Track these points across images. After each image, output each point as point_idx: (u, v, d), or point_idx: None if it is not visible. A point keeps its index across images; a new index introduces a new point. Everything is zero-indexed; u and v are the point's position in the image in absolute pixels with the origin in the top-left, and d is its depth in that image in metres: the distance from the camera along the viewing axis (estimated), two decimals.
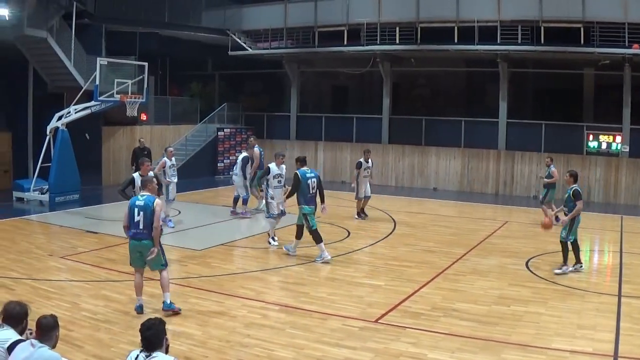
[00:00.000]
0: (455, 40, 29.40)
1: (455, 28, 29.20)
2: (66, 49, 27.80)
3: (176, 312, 11.86)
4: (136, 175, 15.72)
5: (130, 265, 12.22)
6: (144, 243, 11.72)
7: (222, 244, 18.36)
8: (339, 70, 36.99)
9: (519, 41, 28.25)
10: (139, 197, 12.01)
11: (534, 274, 15.22)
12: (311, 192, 16.48)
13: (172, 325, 7.89)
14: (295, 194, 16.60)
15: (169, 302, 11.93)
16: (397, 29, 30.70)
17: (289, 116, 37.13)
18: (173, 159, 21.43)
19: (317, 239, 16.31)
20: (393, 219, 22.41)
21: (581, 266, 15.31)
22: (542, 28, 27.48)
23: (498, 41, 28.48)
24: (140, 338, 6.66)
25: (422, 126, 32.69)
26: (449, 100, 35.93)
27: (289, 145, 35.67)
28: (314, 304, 12.58)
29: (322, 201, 16.73)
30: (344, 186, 25.25)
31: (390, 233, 20.26)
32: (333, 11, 32.59)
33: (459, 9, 29.06)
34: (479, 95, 35.48)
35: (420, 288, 13.79)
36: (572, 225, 15.14)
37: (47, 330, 6.85)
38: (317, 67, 38.19)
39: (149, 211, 11.67)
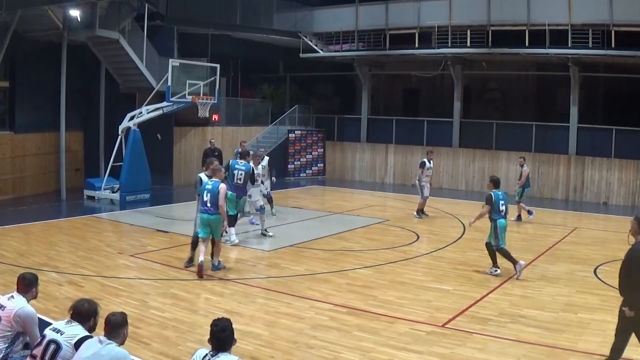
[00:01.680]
0: (526, 44, 29.02)
1: (526, 31, 28.84)
2: (138, 50, 28.16)
3: (224, 268, 15.17)
4: (202, 174, 16.06)
5: (197, 235, 15.09)
6: (211, 217, 14.72)
7: (291, 245, 18.32)
8: (410, 73, 36.79)
9: (590, 45, 27.73)
10: (209, 181, 15.06)
11: (603, 281, 14.85)
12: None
13: (239, 325, 7.90)
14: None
15: (217, 263, 15.19)
16: (469, 32, 30.45)
17: (360, 119, 36.98)
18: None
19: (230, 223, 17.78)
20: (462, 223, 22.23)
21: (496, 270, 15.40)
22: (613, 32, 26.97)
23: (569, 45, 28.02)
24: (209, 337, 6.67)
25: (493, 130, 32.26)
26: (519, 104, 35.42)
27: (360, 148, 35.65)
28: (382, 307, 12.45)
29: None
30: (414, 189, 25.11)
31: (460, 237, 20.04)
32: (404, 14, 32.46)
33: (529, 13, 28.65)
34: (550, 99, 34.96)
35: (489, 293, 13.60)
36: (495, 232, 15.39)
37: (116, 327, 6.89)
38: (388, 70, 38.01)
39: (215, 193, 14.69)
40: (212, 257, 15.18)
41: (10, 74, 26.77)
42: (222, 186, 14.96)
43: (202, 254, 14.70)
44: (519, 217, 23.27)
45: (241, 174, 18.38)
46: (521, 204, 23.43)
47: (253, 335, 10.63)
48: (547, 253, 17.91)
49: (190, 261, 15.54)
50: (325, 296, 13.28)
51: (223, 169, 16.40)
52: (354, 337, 10.76)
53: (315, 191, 29.76)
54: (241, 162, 18.66)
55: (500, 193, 15.90)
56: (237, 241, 18.15)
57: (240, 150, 20.44)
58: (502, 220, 15.53)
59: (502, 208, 15.64)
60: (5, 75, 26.37)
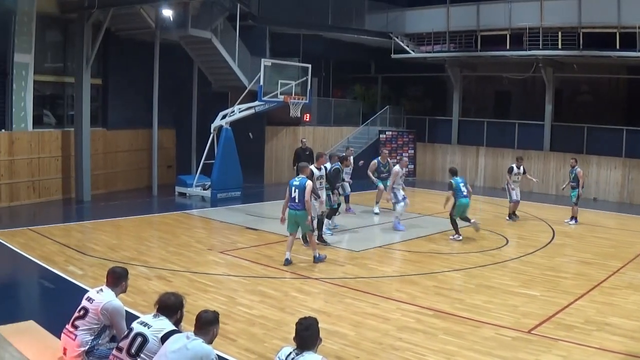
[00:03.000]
0: (617, 47, 28.33)
1: (617, 34, 28.14)
2: (230, 50, 28.35)
3: (325, 258, 15.96)
4: (313, 167, 17.83)
5: (287, 230, 15.74)
6: (298, 213, 15.40)
7: (380, 247, 18.22)
8: (501, 75, 36.31)
9: None
10: (296, 178, 15.68)
11: None
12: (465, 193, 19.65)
13: (326, 325, 7.83)
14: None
15: (317, 255, 15.85)
16: (560, 33, 29.85)
17: (451, 120, 36.61)
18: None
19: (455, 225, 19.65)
20: (552, 229, 21.81)
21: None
22: None
23: None
24: (295, 336, 6.63)
25: (584, 134, 31.50)
26: (610, 107, 34.57)
27: (450, 150, 35.33)
28: (469, 311, 12.24)
29: None
30: (503, 193, 24.77)
31: (549, 242, 19.59)
32: (495, 15, 31.97)
33: (620, 15, 27.82)
34: None
35: (575, 300, 13.22)
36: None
37: (206, 325, 6.89)
38: (479, 72, 37.57)
39: (302, 189, 15.25)
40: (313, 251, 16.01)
41: (104, 72, 27.32)
42: (309, 182, 15.46)
43: (289, 251, 15.55)
44: (574, 219, 22.70)
45: (465, 185, 19.68)
46: (576, 207, 22.77)
47: (339, 335, 10.57)
48: (635, 260, 17.31)
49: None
50: (412, 298, 13.13)
51: (309, 168, 16.78)
52: (439, 340, 10.62)
53: (405, 193, 29.54)
54: (459, 178, 19.85)
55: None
56: (461, 237, 19.22)
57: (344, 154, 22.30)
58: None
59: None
60: (98, 73, 26.84)
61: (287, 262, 15.34)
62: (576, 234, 21.16)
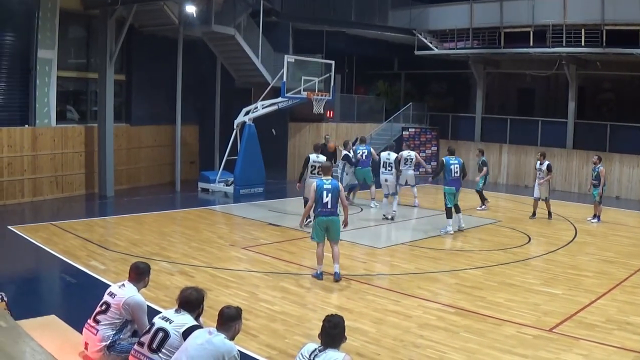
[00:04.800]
0: None
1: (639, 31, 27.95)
2: (253, 46, 28.42)
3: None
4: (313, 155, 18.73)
5: (312, 239, 14.09)
6: (331, 219, 13.75)
7: (403, 243, 18.19)
8: (524, 72, 36.13)
9: None
10: (325, 181, 13.93)
11: None
12: (453, 175, 19.46)
13: (347, 321, 7.79)
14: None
15: (338, 272, 13.84)
16: (583, 30, 29.66)
17: (474, 117, 36.45)
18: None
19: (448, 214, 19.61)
20: (574, 227, 21.69)
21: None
22: None
23: None
24: (320, 332, 6.68)
25: (607, 132, 31.26)
26: (633, 105, 34.26)
27: (473, 147, 35.18)
28: (490, 309, 12.20)
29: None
30: (526, 190, 24.60)
31: (571, 241, 19.45)
32: (518, 12, 31.77)
33: None
34: None
35: (597, 299, 13.13)
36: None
37: (228, 321, 6.90)
38: (502, 69, 37.38)
39: (336, 193, 13.75)
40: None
41: (127, 68, 27.47)
42: (340, 184, 14.53)
43: (321, 264, 14.01)
44: (597, 217, 22.48)
45: (457, 167, 19.42)
46: (600, 206, 22.50)
47: (360, 332, 10.58)
48: None
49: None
50: (433, 295, 13.12)
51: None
52: (460, 338, 10.59)
53: (427, 189, 29.38)
54: (453, 157, 19.70)
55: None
56: (451, 232, 19.43)
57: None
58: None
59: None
60: (122, 69, 27.01)
61: (319, 276, 13.94)
62: (598, 232, 21.04)
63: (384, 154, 22.52)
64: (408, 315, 11.69)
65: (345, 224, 14.19)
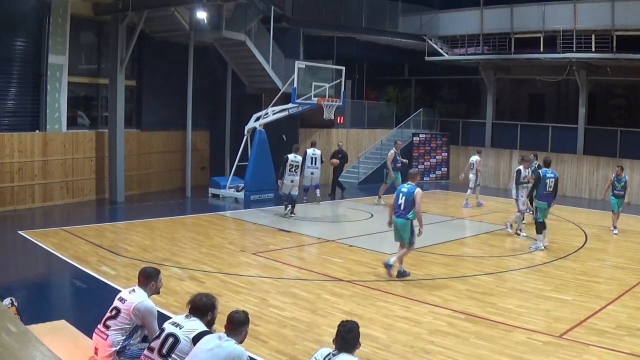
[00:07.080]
0: None
1: None
2: (264, 52, 28.46)
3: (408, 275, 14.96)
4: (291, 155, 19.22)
5: (395, 239, 15.18)
6: (399, 221, 14.75)
7: (414, 250, 18.16)
8: (534, 77, 36.11)
9: None
10: (405, 185, 15.01)
11: None
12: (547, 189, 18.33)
13: None
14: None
15: (402, 270, 14.91)
16: (593, 36, 29.62)
17: (485, 123, 36.40)
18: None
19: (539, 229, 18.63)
20: (585, 232, 21.63)
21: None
22: None
23: None
24: (335, 337, 6.69)
25: (618, 137, 31.21)
26: None
27: (484, 153, 35.12)
28: (501, 315, 12.17)
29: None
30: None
31: (581, 247, 19.41)
32: (529, 17, 31.75)
33: None
34: None
35: (607, 305, 13.09)
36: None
37: (238, 325, 6.92)
38: (512, 74, 37.39)
39: (410, 197, 14.58)
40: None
41: (138, 74, 27.54)
42: (418, 191, 14.69)
43: (401, 263, 15.04)
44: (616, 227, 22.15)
45: (552, 181, 18.32)
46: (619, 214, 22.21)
47: (370, 338, 10.51)
48: None
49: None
50: (444, 301, 13.08)
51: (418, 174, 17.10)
52: (470, 344, 10.56)
53: (438, 195, 29.44)
54: (549, 170, 18.59)
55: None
56: (542, 247, 18.43)
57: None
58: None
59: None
60: (132, 75, 27.06)
61: (389, 267, 14.81)
62: (609, 238, 20.99)
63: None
64: (418, 322, 11.65)
65: (419, 232, 14.87)
